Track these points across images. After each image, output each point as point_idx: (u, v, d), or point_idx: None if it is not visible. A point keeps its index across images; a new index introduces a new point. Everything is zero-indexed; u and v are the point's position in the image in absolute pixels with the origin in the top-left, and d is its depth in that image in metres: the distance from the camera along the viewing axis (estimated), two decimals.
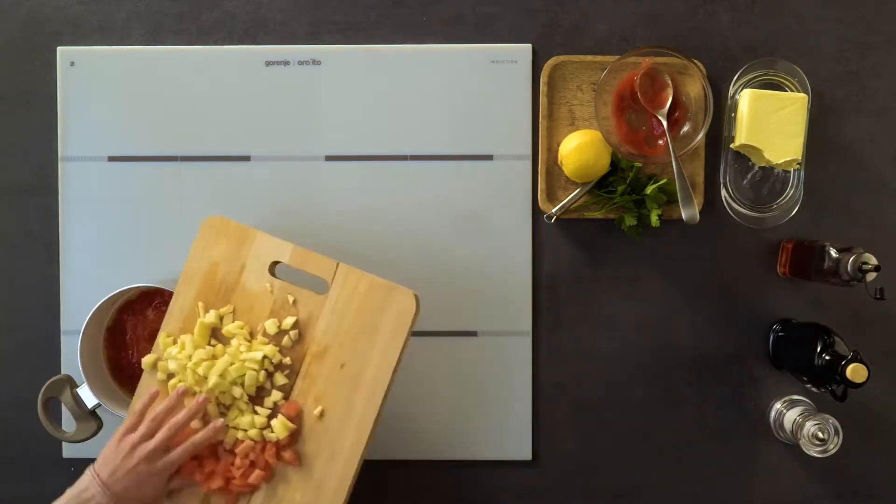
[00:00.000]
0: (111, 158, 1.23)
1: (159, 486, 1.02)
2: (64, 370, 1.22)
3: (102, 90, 1.22)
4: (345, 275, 1.04)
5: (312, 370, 1.04)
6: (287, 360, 1.05)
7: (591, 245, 1.22)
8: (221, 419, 1.04)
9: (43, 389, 1.14)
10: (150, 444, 1.00)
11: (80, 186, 1.22)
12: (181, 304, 1.09)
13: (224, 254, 1.08)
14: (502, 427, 1.22)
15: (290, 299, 1.06)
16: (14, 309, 1.24)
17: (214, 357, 1.05)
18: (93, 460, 1.22)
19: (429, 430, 1.23)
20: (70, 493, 1.00)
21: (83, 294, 1.21)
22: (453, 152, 1.22)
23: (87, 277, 1.22)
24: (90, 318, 1.14)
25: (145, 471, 1.00)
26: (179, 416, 1.02)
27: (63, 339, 1.23)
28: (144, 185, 1.22)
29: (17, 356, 1.23)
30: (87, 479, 1.00)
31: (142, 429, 1.01)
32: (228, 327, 1.07)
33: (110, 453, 1.01)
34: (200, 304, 1.08)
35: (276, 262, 1.07)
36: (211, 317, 1.07)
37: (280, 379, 1.05)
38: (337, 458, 1.02)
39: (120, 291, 1.15)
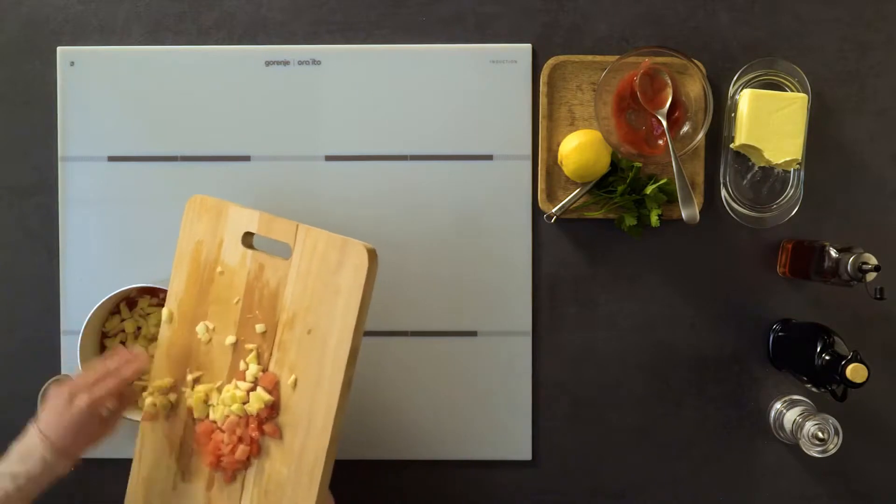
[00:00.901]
0: (111, 158, 1.23)
1: (97, 426, 1.01)
2: (64, 370, 1.22)
3: (102, 90, 1.22)
4: (304, 236, 1.03)
5: (285, 339, 1.03)
6: (261, 328, 1.05)
7: (591, 245, 1.22)
8: (142, 349, 1.08)
9: (43, 389, 1.14)
10: (86, 396, 0.99)
11: (80, 186, 1.22)
12: (176, 288, 1.10)
13: (205, 231, 1.09)
14: (502, 427, 1.22)
15: (261, 268, 1.05)
16: (14, 309, 1.24)
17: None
18: (93, 461, 1.22)
19: (429, 430, 1.23)
20: (15, 448, 0.99)
21: (83, 294, 1.21)
22: (453, 152, 1.22)
23: (87, 277, 1.22)
24: (90, 318, 1.14)
25: (73, 414, 0.98)
26: (110, 360, 1.03)
27: (63, 339, 1.23)
28: (144, 185, 1.22)
29: (17, 356, 1.23)
30: (30, 434, 1.00)
31: (77, 379, 1.02)
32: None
33: (48, 406, 1.01)
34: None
35: (250, 234, 1.07)
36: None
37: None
38: (312, 428, 1.00)
39: (120, 291, 1.15)
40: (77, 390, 1.00)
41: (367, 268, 0.99)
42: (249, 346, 1.05)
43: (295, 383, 1.02)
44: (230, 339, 1.06)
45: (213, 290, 1.08)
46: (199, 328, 1.08)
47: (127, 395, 1.05)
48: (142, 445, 1.11)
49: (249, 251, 1.06)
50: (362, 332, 1.01)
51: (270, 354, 1.04)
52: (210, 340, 1.08)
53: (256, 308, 1.05)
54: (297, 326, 1.03)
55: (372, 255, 1.00)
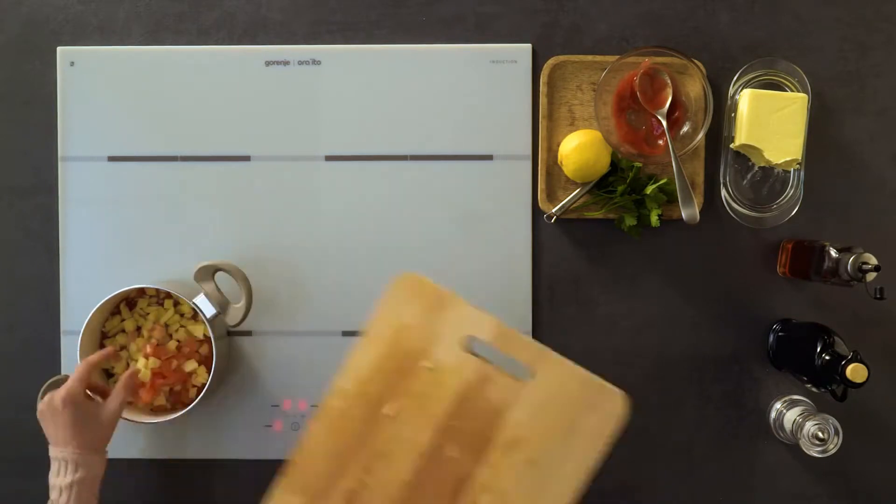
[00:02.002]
0: (111, 158, 1.23)
1: (93, 411, 1.07)
2: (64, 370, 1.22)
3: (102, 90, 1.22)
4: (552, 365, 0.96)
5: (498, 461, 0.95)
6: (467, 441, 0.96)
7: (591, 245, 1.22)
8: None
9: (43, 389, 1.14)
10: (60, 391, 1.06)
11: (80, 186, 1.22)
12: (358, 365, 0.98)
13: (416, 317, 0.98)
14: None
15: (485, 380, 0.96)
16: (14, 309, 1.24)
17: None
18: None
19: None
20: (50, 480, 1.06)
21: (83, 294, 1.21)
22: (453, 152, 1.22)
23: (87, 277, 1.22)
24: (90, 318, 1.14)
25: (62, 414, 1.05)
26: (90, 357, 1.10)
27: (63, 339, 1.23)
28: (144, 185, 1.22)
29: (17, 356, 1.23)
30: (50, 455, 1.06)
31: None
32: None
33: (43, 424, 1.07)
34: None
35: (471, 337, 0.97)
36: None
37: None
38: None
39: (120, 292, 1.15)
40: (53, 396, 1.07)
41: (619, 417, 0.94)
42: (450, 454, 0.96)
43: None
44: (425, 438, 0.96)
45: (412, 384, 0.97)
46: (384, 416, 0.97)
47: (101, 387, 1.13)
48: None
49: (473, 358, 0.97)
50: (590, 479, 0.95)
51: (471, 472, 0.95)
52: (397, 431, 0.97)
53: (468, 417, 0.96)
54: (517, 453, 0.95)
55: (626, 403, 0.95)
